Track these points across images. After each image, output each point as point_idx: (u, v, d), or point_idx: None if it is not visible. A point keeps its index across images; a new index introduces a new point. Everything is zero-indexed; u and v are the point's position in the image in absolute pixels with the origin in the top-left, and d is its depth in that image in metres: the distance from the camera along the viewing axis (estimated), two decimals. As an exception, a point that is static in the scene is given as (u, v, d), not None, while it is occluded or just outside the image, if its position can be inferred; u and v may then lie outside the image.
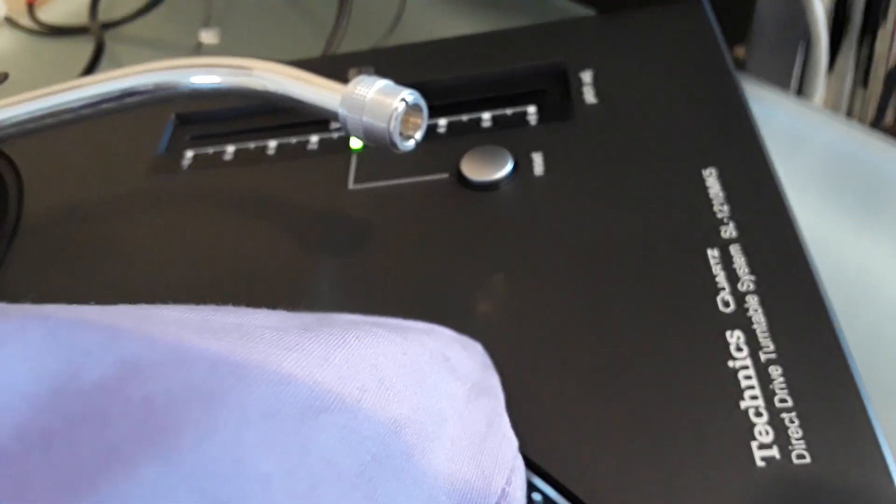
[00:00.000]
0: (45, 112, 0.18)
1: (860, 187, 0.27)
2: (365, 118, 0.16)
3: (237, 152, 0.23)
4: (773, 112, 0.30)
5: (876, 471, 0.13)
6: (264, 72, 0.16)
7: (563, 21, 0.25)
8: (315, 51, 0.35)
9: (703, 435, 0.14)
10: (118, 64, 0.41)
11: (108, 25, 0.42)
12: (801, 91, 0.36)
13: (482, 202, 0.19)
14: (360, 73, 0.22)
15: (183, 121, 0.25)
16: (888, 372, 0.21)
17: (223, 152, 0.23)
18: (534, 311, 0.17)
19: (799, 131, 0.29)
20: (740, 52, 0.33)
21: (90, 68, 0.39)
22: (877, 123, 0.49)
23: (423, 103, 0.16)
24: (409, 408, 0.11)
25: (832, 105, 0.50)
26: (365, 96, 0.16)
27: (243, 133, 0.24)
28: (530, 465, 0.14)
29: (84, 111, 0.18)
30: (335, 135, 0.23)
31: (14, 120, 0.17)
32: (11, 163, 0.24)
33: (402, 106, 0.15)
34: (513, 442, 0.13)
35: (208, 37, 0.39)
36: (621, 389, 0.15)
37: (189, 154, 0.23)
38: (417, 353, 0.13)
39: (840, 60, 0.48)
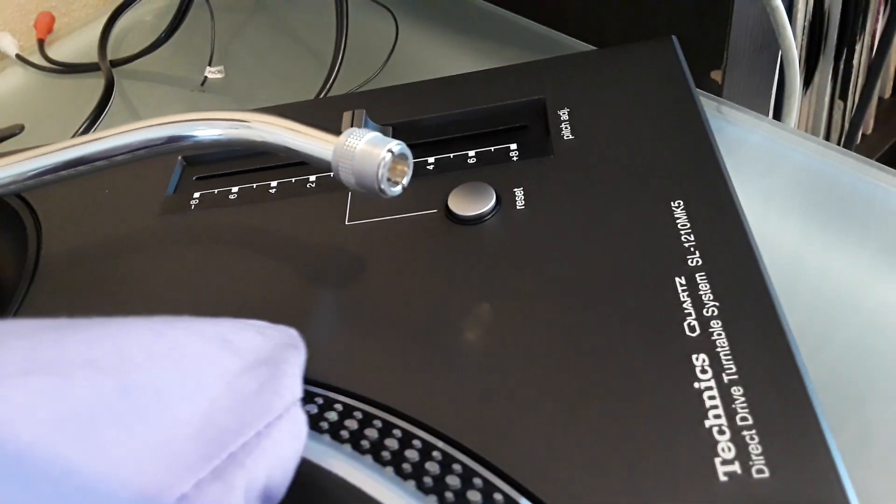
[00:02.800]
0: (62, 164, 0.19)
1: (833, 204, 0.28)
2: (355, 167, 0.17)
3: (241, 192, 0.24)
4: (748, 134, 0.31)
5: (829, 484, 0.15)
6: (262, 125, 0.18)
7: (544, 60, 0.26)
8: (314, 83, 0.37)
9: (670, 451, 0.16)
10: (128, 100, 0.43)
11: (116, 63, 0.43)
12: (779, 110, 0.38)
13: (468, 235, 0.21)
14: (353, 115, 0.23)
15: (190, 162, 0.26)
16: (870, 380, 0.23)
17: (228, 192, 0.24)
18: (514, 337, 0.18)
19: (774, 151, 0.30)
20: (717, 76, 0.34)
21: (101, 105, 0.40)
22: (851, 136, 0.51)
23: (408, 152, 0.18)
24: (148, 374, 0.14)
25: (811, 118, 0.51)
26: (355, 148, 0.17)
27: (246, 173, 0.25)
28: (504, 476, 0.15)
29: (98, 163, 0.19)
30: (332, 174, 0.24)
31: (32, 173, 0.19)
32: (29, 205, 0.26)
33: (388, 156, 0.17)
34: (286, 398, 0.16)
35: (213, 73, 0.41)
36: (594, 408, 0.16)
37: (196, 195, 0.25)
38: (180, 336, 0.16)
39: (818, 75, 0.48)
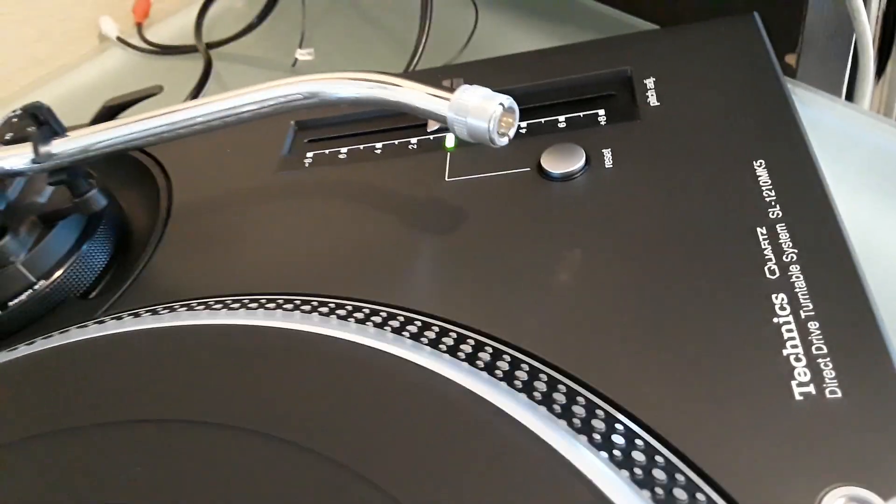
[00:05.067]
0: (215, 112, 0.22)
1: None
2: (469, 120, 0.19)
3: (349, 152, 0.27)
4: (822, 115, 0.32)
5: (889, 396, 0.16)
6: (390, 86, 0.20)
7: (628, 35, 0.28)
8: (396, 64, 0.39)
9: (752, 375, 0.17)
10: (223, 81, 0.46)
11: (211, 45, 0.47)
12: (851, 97, 0.38)
13: (560, 192, 0.23)
14: (452, 83, 0.26)
15: (301, 127, 0.29)
16: None
17: (338, 152, 0.27)
18: (611, 280, 0.20)
19: (848, 133, 0.31)
20: (791, 59, 0.35)
21: (201, 84, 0.44)
22: None
23: (515, 107, 0.20)
24: None
25: (882, 109, 0.51)
26: (469, 102, 0.19)
27: (353, 136, 0.28)
28: (610, 401, 0.17)
29: (245, 114, 0.22)
30: (432, 136, 0.26)
31: (194, 121, 0.22)
32: (160, 164, 0.29)
33: (499, 109, 0.19)
34: None
35: (304, 55, 0.44)
36: (686, 340, 0.18)
37: (309, 154, 0.27)
38: None
39: (891, 65, 0.48)
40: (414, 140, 0.27)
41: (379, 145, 0.27)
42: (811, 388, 0.17)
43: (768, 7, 0.33)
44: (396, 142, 0.27)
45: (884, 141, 0.31)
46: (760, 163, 0.22)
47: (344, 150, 0.27)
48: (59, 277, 0.24)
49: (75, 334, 0.21)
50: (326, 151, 0.27)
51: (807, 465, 0.16)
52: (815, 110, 0.32)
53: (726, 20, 0.27)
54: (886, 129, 0.31)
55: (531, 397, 0.17)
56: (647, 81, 0.25)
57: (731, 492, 0.16)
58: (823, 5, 0.34)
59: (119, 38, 0.50)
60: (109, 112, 0.25)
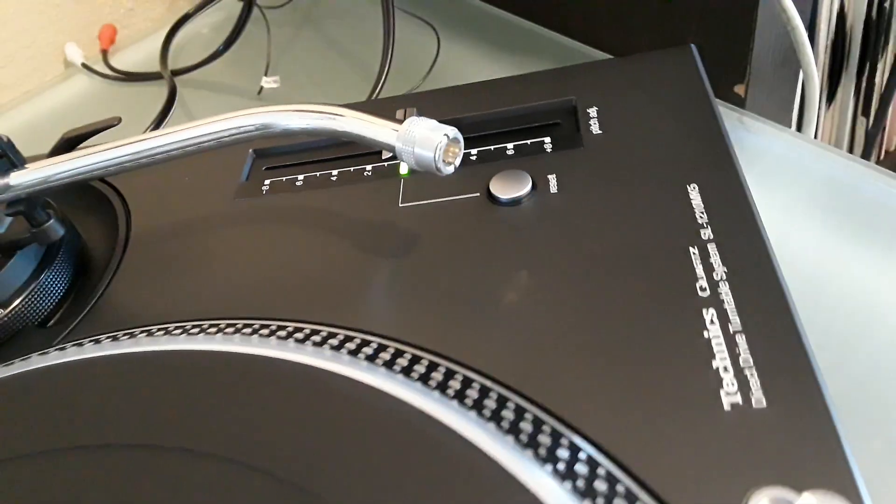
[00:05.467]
0: (164, 146, 0.23)
1: (856, 215, 0.29)
2: (416, 150, 0.20)
3: (306, 179, 0.28)
4: (770, 144, 0.33)
5: (818, 414, 0.17)
6: (340, 117, 0.21)
7: (574, 66, 0.29)
8: (361, 91, 0.40)
9: (683, 387, 0.18)
10: (188, 108, 0.46)
11: (176, 73, 0.47)
12: (801, 126, 0.40)
13: (507, 216, 0.24)
14: (405, 113, 0.27)
15: (259, 155, 0.30)
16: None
17: (295, 179, 0.28)
18: (551, 300, 0.21)
19: (794, 161, 0.32)
20: (740, 90, 0.36)
21: (165, 110, 0.44)
22: (867, 151, 0.52)
23: (460, 137, 0.21)
24: None
25: (835, 134, 0.52)
26: (416, 133, 0.20)
27: (310, 164, 0.28)
28: (554, 415, 0.18)
29: (193, 147, 0.23)
30: (386, 164, 0.27)
31: (153, 152, 0.22)
32: (118, 192, 0.29)
33: (444, 140, 0.20)
34: None
35: (269, 82, 0.44)
36: (620, 355, 0.19)
37: (267, 182, 0.28)
38: None
39: (841, 92, 0.50)
40: (369, 167, 0.27)
41: (335, 172, 0.28)
42: (738, 399, 0.18)
43: (717, 38, 0.35)
44: (352, 169, 0.28)
45: (831, 170, 0.32)
46: (693, 186, 0.23)
47: (301, 177, 0.28)
48: (17, 306, 0.24)
49: (36, 361, 0.21)
50: (283, 179, 0.28)
51: (736, 470, 0.17)
52: (762, 139, 0.33)
53: (665, 51, 0.28)
54: (833, 158, 0.32)
55: (480, 415, 0.18)
56: (590, 111, 0.27)
57: (667, 498, 0.17)
58: (770, 37, 0.35)
59: (84, 65, 0.50)
60: (67, 144, 0.25)
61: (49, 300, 0.25)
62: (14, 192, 0.23)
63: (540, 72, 0.29)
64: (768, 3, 0.32)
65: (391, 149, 0.21)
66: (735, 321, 0.19)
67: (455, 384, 0.19)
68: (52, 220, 0.24)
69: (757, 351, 0.19)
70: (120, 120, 0.25)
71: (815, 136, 0.47)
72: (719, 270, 0.21)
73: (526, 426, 0.18)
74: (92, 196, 0.30)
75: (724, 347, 0.19)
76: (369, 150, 0.28)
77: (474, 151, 0.27)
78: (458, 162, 0.21)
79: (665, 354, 0.19)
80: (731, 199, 0.22)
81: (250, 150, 0.30)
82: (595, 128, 0.26)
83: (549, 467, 0.17)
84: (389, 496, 0.16)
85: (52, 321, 0.26)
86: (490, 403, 0.19)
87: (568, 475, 0.17)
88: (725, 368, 0.19)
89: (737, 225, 0.22)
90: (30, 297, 0.25)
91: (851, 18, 0.46)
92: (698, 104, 0.26)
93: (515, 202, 0.24)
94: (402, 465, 0.17)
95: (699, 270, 0.21)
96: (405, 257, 0.24)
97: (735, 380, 0.18)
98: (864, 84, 0.52)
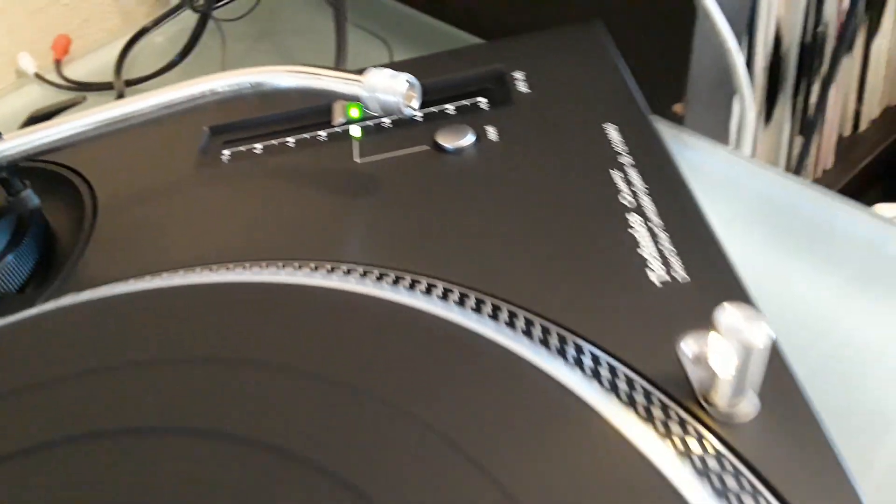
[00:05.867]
0: (165, 103, 0.25)
1: (786, 227, 0.30)
2: (380, 95, 0.23)
3: (265, 147, 0.30)
4: (705, 160, 0.34)
5: (729, 282, 0.22)
6: (317, 75, 0.24)
7: (498, 41, 0.33)
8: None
9: (621, 271, 0.22)
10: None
11: (131, 83, 0.47)
12: (739, 142, 0.40)
13: (455, 162, 0.27)
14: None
15: (215, 132, 0.32)
16: (831, 410, 0.21)
17: (253, 148, 0.30)
18: (508, 221, 0.24)
19: (728, 177, 0.33)
20: (679, 108, 0.37)
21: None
22: (798, 169, 0.54)
23: (417, 83, 0.24)
24: None
25: (772, 152, 0.54)
26: (379, 82, 0.24)
27: (265, 135, 0.31)
28: (507, 301, 0.22)
29: (180, 106, 0.25)
30: (339, 129, 0.30)
31: (131, 113, 0.24)
32: (77, 172, 0.31)
33: (405, 85, 0.23)
34: None
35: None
36: (569, 254, 0.23)
37: (226, 152, 0.30)
38: None
39: (777, 112, 0.52)
40: (323, 133, 0.30)
41: (291, 140, 0.30)
42: (666, 276, 0.22)
43: (656, 58, 0.36)
44: (307, 136, 0.30)
45: (763, 186, 0.32)
46: (609, 125, 0.27)
47: (259, 146, 0.30)
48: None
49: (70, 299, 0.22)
50: (242, 148, 0.30)
51: (671, 326, 0.20)
52: (699, 155, 0.34)
53: (578, 25, 0.33)
54: (764, 175, 0.33)
55: (462, 305, 0.21)
56: (516, 74, 0.31)
57: (628, 359, 0.20)
58: (707, 59, 0.36)
59: (37, 75, 0.50)
60: (34, 121, 0.27)
61: (26, 267, 0.26)
62: (-5, 159, 0.24)
63: (469, 46, 0.33)
64: (704, 27, 0.34)
65: (358, 98, 0.24)
66: (656, 221, 0.24)
67: (437, 290, 0.22)
68: (28, 189, 0.26)
69: (676, 241, 0.23)
70: (85, 98, 0.27)
71: (753, 155, 0.49)
72: (638, 184, 0.25)
73: (488, 309, 0.21)
74: (52, 178, 0.31)
75: (648, 240, 0.23)
76: (320, 120, 0.31)
77: (419, 113, 0.30)
78: (416, 105, 0.24)
79: (603, 250, 0.23)
80: (640, 131, 0.27)
81: (205, 128, 0.32)
82: (523, 87, 0.30)
83: (525, 339, 0.20)
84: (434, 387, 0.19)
85: (27, 289, 0.27)
86: (470, 302, 0.22)
87: (544, 342, 0.20)
88: (653, 255, 0.22)
89: (648, 150, 0.26)
90: (8, 265, 0.26)
91: (787, 42, 0.49)
92: (607, 64, 0.30)
93: (460, 150, 0.28)
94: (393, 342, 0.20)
95: (622, 186, 0.25)
96: (363, 206, 0.26)
97: (663, 264, 0.22)
98: (801, 105, 0.53)
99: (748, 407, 0.18)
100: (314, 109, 0.31)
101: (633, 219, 0.24)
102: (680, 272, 0.22)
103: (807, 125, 0.54)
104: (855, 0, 0.51)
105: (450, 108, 0.30)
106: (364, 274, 0.22)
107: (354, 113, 0.30)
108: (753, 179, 0.32)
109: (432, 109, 0.30)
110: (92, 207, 0.29)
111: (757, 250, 0.26)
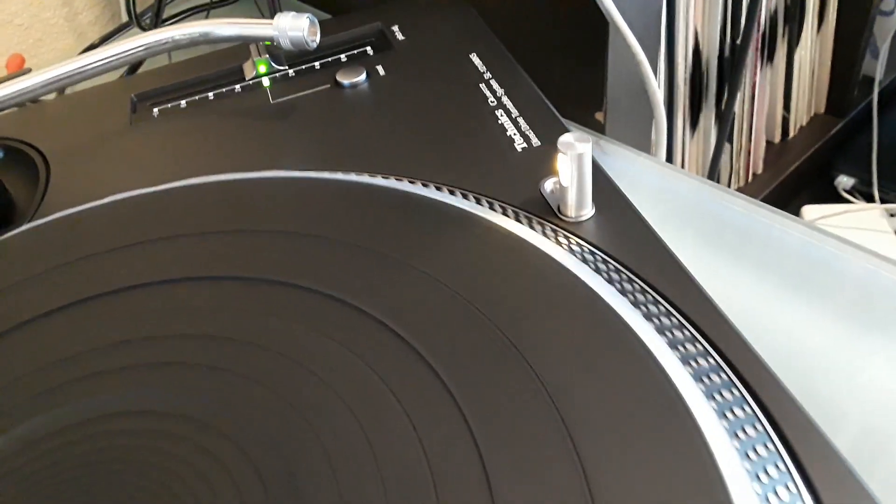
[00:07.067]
0: (122, 52, 0.30)
1: (707, 232, 0.31)
2: (290, 33, 0.30)
3: (188, 103, 0.35)
4: (625, 166, 0.34)
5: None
6: (242, 24, 0.30)
7: (376, 7, 0.40)
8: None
9: (493, 146, 0.29)
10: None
11: None
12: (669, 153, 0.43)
13: (352, 94, 0.34)
14: (256, 47, 0.36)
15: (141, 98, 0.37)
16: None
17: (179, 104, 0.35)
18: (401, 130, 0.31)
19: (648, 183, 0.33)
20: (600, 116, 0.39)
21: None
22: (711, 174, 0.55)
23: (316, 20, 0.30)
24: None
25: (700, 161, 0.55)
26: (286, 22, 0.30)
27: (185, 95, 0.36)
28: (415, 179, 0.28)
29: (139, 53, 0.30)
30: (251, 81, 0.36)
31: (97, 63, 0.29)
32: (28, 144, 0.35)
33: (307, 21, 0.30)
34: None
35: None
36: (452, 141, 0.30)
37: (155, 110, 0.35)
38: None
39: (703, 120, 0.54)
40: (237, 86, 0.36)
41: (210, 94, 0.36)
42: (524, 143, 0.29)
43: (576, 69, 0.40)
44: (224, 90, 0.36)
45: (684, 191, 0.32)
46: (474, 54, 0.35)
47: (183, 102, 0.36)
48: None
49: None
50: (168, 105, 0.35)
51: (534, 174, 0.28)
52: (617, 161, 0.35)
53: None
54: (682, 180, 0.33)
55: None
56: (393, 27, 0.38)
57: (507, 199, 0.27)
58: (623, 70, 0.38)
59: None
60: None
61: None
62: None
63: (351, 14, 0.40)
64: (616, 40, 0.37)
65: (270, 38, 0.30)
66: (514, 110, 0.31)
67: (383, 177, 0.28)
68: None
69: (530, 121, 0.30)
70: (31, 70, 0.31)
71: (683, 164, 0.52)
72: (499, 91, 0.32)
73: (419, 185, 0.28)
74: (5, 150, 0.35)
75: (511, 124, 0.30)
76: (232, 79, 0.36)
77: (317, 64, 0.36)
78: (318, 38, 0.31)
79: (479, 136, 0.30)
80: (497, 55, 0.34)
81: (132, 95, 0.36)
82: (399, 36, 0.37)
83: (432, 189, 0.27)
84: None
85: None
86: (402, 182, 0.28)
87: (457, 196, 0.27)
88: (515, 133, 0.30)
89: (503, 67, 0.34)
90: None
91: (706, 54, 0.50)
92: (468, 14, 0.38)
93: (356, 85, 0.34)
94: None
95: (487, 94, 0.32)
96: (281, 135, 0.32)
97: (521, 137, 0.30)
98: (725, 114, 0.52)
99: (589, 212, 0.26)
100: (224, 72, 0.37)
101: (499, 113, 0.31)
102: (535, 140, 0.29)
103: (720, 131, 0.54)
104: (772, 13, 0.53)
105: (342, 57, 0.37)
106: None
107: (262, 69, 0.36)
108: (669, 184, 0.32)
109: (328, 59, 0.37)
110: (44, 164, 0.33)
111: (688, 255, 0.25)
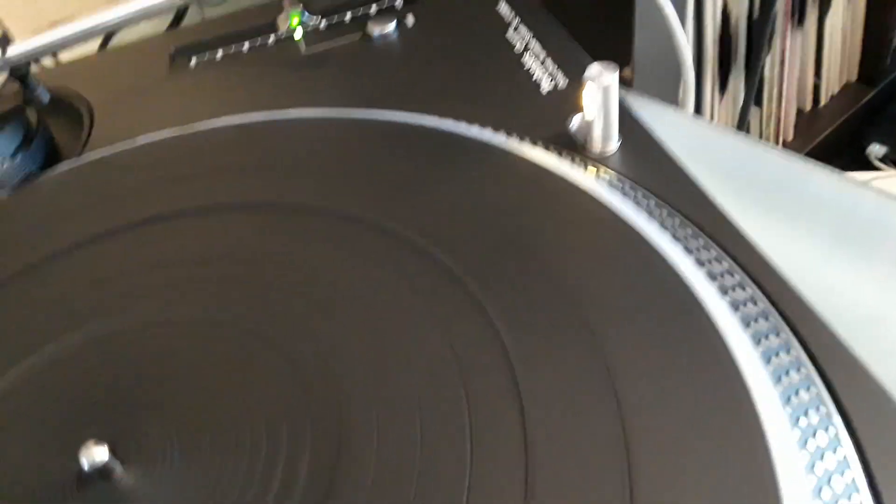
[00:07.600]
0: (112, 21, 0.31)
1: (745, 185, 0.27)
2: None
3: (223, 53, 0.37)
4: (651, 120, 0.30)
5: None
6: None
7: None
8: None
9: (523, 89, 0.30)
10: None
11: None
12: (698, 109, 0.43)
13: (381, 46, 0.35)
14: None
15: (179, 52, 0.38)
16: None
17: (215, 55, 0.36)
18: (429, 78, 0.32)
19: (675, 137, 0.29)
20: (627, 73, 0.40)
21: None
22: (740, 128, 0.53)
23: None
24: None
25: (729, 121, 0.54)
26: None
27: (221, 47, 0.37)
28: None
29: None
30: (283, 36, 0.37)
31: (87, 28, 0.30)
32: (78, 95, 0.36)
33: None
34: None
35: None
36: (482, 85, 0.30)
37: (193, 60, 0.36)
38: None
39: (731, 82, 0.53)
40: (270, 40, 0.37)
41: (245, 47, 0.37)
42: (550, 86, 0.30)
43: (605, 27, 0.39)
44: (258, 42, 0.37)
45: (709, 139, 0.29)
46: (502, 2, 0.35)
47: (219, 53, 0.37)
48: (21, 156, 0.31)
49: None
50: (206, 57, 0.37)
51: (563, 110, 0.28)
52: (644, 114, 0.31)
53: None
54: (706, 130, 0.30)
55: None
56: (418, -15, 0.39)
57: (530, 134, 0.28)
58: (649, 24, 0.38)
59: None
60: None
61: (44, 150, 0.32)
62: (15, 60, 0.30)
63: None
64: None
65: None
66: (542, 54, 0.32)
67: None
68: (41, 86, 0.31)
69: (559, 61, 0.31)
70: (10, 41, 0.32)
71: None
72: (527, 36, 0.33)
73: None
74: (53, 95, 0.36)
75: (540, 67, 0.31)
76: (264, 33, 0.37)
77: (348, 15, 0.37)
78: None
79: (508, 80, 0.31)
80: (526, 4, 0.35)
81: (170, 48, 0.38)
82: (426, -10, 0.38)
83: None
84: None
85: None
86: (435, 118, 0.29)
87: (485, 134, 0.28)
88: (543, 75, 0.30)
89: (531, 12, 0.34)
90: (32, 147, 0.31)
91: (735, 16, 0.50)
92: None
93: (387, 36, 0.35)
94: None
95: (516, 40, 0.33)
96: (318, 78, 0.33)
97: (549, 77, 0.30)
98: (754, 76, 0.51)
99: (613, 147, 0.27)
100: (258, 26, 0.38)
101: (527, 57, 0.32)
102: (562, 80, 0.30)
103: (747, 91, 0.53)
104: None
105: (372, 11, 0.38)
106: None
107: (295, 22, 0.37)
108: (691, 138, 0.29)
109: (358, 13, 0.38)
110: (88, 110, 0.34)
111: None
